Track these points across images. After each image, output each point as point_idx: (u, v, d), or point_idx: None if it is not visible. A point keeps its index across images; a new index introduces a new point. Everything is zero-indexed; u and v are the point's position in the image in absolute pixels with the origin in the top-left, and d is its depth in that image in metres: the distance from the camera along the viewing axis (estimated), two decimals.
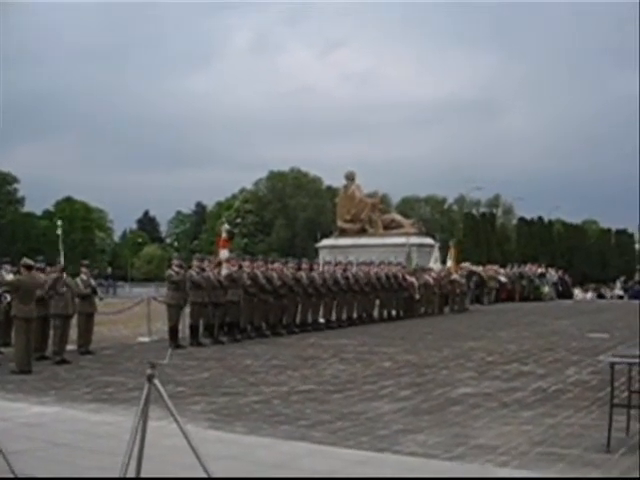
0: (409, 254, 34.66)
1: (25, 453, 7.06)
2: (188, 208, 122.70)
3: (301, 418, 9.85)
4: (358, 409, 10.43)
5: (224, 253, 20.35)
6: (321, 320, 23.95)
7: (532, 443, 8.23)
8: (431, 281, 30.40)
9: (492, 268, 41.56)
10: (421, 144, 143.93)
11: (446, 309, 31.72)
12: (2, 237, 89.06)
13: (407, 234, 39.64)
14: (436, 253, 35.66)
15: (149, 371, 4.78)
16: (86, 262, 19.09)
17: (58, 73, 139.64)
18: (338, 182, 49.86)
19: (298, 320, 22.86)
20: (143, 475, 4.90)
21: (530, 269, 43.89)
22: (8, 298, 16.25)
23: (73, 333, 17.32)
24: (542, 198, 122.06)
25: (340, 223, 42.27)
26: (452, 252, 35.68)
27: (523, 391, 11.75)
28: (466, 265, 39.27)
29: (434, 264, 33.96)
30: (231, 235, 20.59)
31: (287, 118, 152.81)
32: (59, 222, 65.34)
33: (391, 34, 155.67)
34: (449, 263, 34.97)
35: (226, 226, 20.64)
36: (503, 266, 43.89)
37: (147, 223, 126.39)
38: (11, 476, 5.73)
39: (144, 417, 4.71)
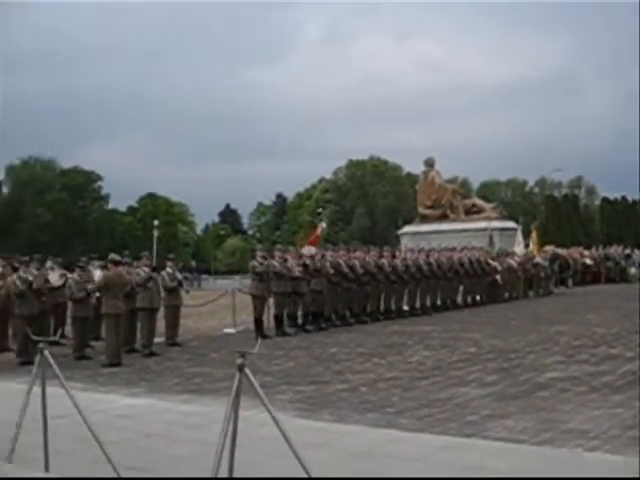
0: (492, 239, 34.31)
1: (119, 444, 7.21)
2: (269, 200, 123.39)
3: (388, 405, 9.88)
4: (445, 395, 10.42)
5: (310, 249, 20.24)
6: (405, 307, 23.92)
7: (623, 427, 8.12)
8: (514, 265, 30.13)
9: (576, 250, 40.99)
10: (500, 127, 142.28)
11: (530, 293, 31.40)
12: (88, 234, 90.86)
13: (489, 218, 39.28)
14: (519, 237, 35.24)
15: (239, 360, 4.85)
16: (172, 256, 19.40)
17: (135, 71, 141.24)
18: (417, 169, 49.64)
19: (382, 308, 22.88)
20: (236, 464, 4.98)
21: (615, 250, 43.16)
22: (97, 294, 16.60)
23: (160, 326, 17.62)
24: (625, 177, 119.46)
25: (421, 209, 42.08)
26: (534, 235, 35.23)
27: (612, 374, 11.57)
28: (550, 248, 38.81)
29: (517, 248, 33.59)
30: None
31: (364, 106, 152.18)
32: (155, 222, 66.55)
33: (464, 19, 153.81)
34: (532, 247, 34.52)
35: (324, 224, 20.61)
36: (588, 248, 43.26)
37: (229, 215, 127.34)
38: (109, 466, 5.87)
39: (236, 406, 4.78)
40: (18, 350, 15.92)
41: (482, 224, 38.23)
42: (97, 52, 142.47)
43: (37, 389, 6.26)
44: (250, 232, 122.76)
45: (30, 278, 16.20)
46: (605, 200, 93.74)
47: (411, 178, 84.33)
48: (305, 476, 4.84)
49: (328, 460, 6.73)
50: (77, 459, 7.12)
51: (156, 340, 17.05)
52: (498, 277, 28.43)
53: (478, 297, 27.74)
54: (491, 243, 33.69)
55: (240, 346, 16.10)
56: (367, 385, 11.48)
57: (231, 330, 20.39)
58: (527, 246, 35.40)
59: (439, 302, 25.40)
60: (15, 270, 16.86)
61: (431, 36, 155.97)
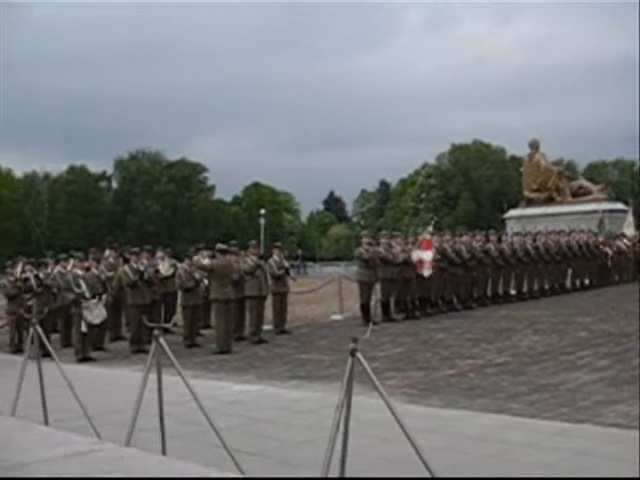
0: (602, 221, 33.63)
1: (232, 429, 7.34)
2: (372, 186, 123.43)
3: (498, 391, 9.82)
4: (556, 380, 10.29)
5: (428, 254, 19.80)
6: (512, 292, 23.66)
7: None
8: (624, 247, 29.46)
9: None
10: (605, 107, 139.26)
11: None
12: (195, 225, 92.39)
13: (596, 200, 38.58)
14: (629, 218, 34.46)
15: (352, 345, 4.88)
16: (278, 244, 19.59)
17: (236, 63, 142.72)
18: (522, 151, 48.96)
19: (489, 292, 22.68)
20: (350, 450, 5.02)
21: None
22: (206, 282, 16.89)
23: (268, 313, 17.82)
24: None
25: (527, 193, 41.55)
26: (630, 219, 34.25)
27: None
28: None
29: (627, 230, 32.84)
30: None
31: (466, 90, 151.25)
32: (262, 211, 67.46)
33: None
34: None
35: (430, 229, 20.44)
36: None
37: (333, 203, 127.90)
38: (223, 450, 5.99)
39: (349, 391, 4.83)
40: (131, 338, 16.33)
41: (589, 206, 37.57)
42: (204, 46, 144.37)
43: (151, 376, 6.41)
44: (354, 219, 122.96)
45: (141, 268, 16.58)
46: None
47: (516, 161, 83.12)
48: (420, 463, 4.85)
49: (439, 445, 6.72)
50: (192, 444, 7.28)
51: (264, 328, 17.26)
52: (608, 260, 27.84)
53: (587, 281, 27.25)
54: (600, 225, 33.02)
55: (348, 332, 16.23)
56: (476, 370, 11.43)
57: (338, 317, 20.50)
58: (638, 228, 34.58)
59: (547, 286, 25.03)
60: (126, 261, 17.26)
61: (534, 15, 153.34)
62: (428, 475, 4.96)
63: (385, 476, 6.27)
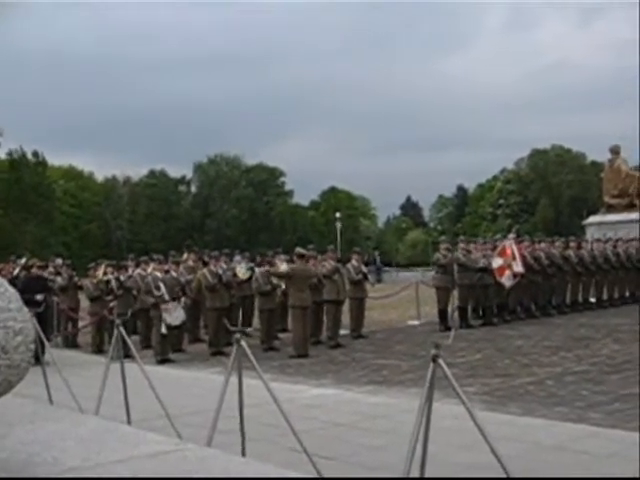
0: None
1: (308, 432, 7.38)
2: (450, 192, 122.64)
3: (577, 399, 9.71)
4: (637, 390, 10.11)
5: (517, 265, 19.55)
6: (592, 299, 23.33)
7: None
8: None
9: None
10: None
11: None
12: (273, 229, 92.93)
13: None
14: None
15: (434, 351, 4.89)
16: (357, 249, 19.66)
17: (314, 67, 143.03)
18: (602, 156, 48.18)
19: (568, 300, 22.40)
20: (428, 456, 5.03)
21: None
22: (283, 286, 17.00)
23: (345, 318, 17.86)
24: None
25: (607, 199, 40.86)
26: None
27: None
28: None
29: None
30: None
31: (546, 93, 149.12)
32: (338, 214, 67.73)
33: None
34: None
35: (512, 236, 20.22)
36: None
37: (410, 208, 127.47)
38: (303, 454, 6.05)
39: (429, 397, 4.84)
40: (210, 341, 16.52)
41: None
42: (283, 51, 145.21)
43: (231, 378, 6.50)
44: (431, 224, 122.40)
45: (220, 272, 16.78)
46: None
47: (596, 166, 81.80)
48: (499, 469, 4.83)
49: (517, 453, 6.68)
50: (270, 446, 7.36)
51: (341, 332, 17.31)
52: None
53: None
54: None
55: (425, 338, 16.24)
56: (554, 378, 11.32)
57: (415, 322, 20.48)
58: None
59: (627, 294, 24.63)
60: (205, 264, 17.48)
61: (618, 15, 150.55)
62: None
63: None
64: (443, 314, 18.83)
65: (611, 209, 40.19)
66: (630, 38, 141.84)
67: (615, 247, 24.53)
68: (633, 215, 37.89)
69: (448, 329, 17.82)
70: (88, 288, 17.98)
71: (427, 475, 5.13)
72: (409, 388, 10.73)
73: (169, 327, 15.51)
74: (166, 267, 16.63)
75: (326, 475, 6.01)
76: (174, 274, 16.61)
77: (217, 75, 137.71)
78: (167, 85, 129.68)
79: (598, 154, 70.63)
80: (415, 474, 4.99)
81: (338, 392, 11.09)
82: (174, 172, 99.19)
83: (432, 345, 5.02)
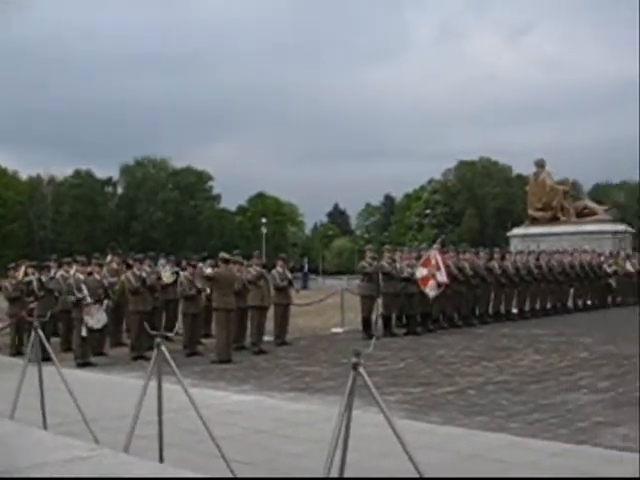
0: (621, 242, 33.58)
1: (228, 439, 7.32)
2: (377, 200, 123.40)
3: (497, 409, 9.80)
4: (556, 400, 10.27)
5: (441, 274, 19.58)
6: (514, 310, 23.65)
7: None
8: (631, 269, 29.38)
9: None
10: (613, 127, 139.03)
11: None
12: (199, 233, 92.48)
13: (601, 221, 38.63)
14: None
15: (354, 359, 4.87)
16: (283, 255, 19.63)
17: (244, 73, 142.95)
18: (528, 170, 49.05)
19: (491, 310, 22.67)
20: (347, 464, 5.02)
21: None
22: (208, 290, 16.89)
23: (269, 324, 17.80)
24: None
25: (531, 211, 41.61)
26: None
27: None
28: None
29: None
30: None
31: (474, 106, 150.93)
32: (263, 219, 67.74)
33: (579, 16, 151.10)
34: None
35: (437, 246, 20.36)
36: None
37: (337, 216, 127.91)
38: (221, 460, 5.99)
39: (349, 405, 4.82)
40: (131, 345, 16.31)
41: (594, 227, 37.61)
42: (213, 54, 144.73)
43: (151, 382, 6.42)
44: (358, 232, 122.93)
45: (144, 275, 16.59)
46: None
47: (521, 179, 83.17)
48: (417, 476, 4.84)
49: (437, 462, 6.70)
50: (189, 452, 7.27)
51: (265, 338, 17.25)
52: (612, 281, 27.78)
53: (589, 301, 27.20)
54: (619, 246, 33.08)
55: (348, 346, 16.24)
56: (475, 388, 11.41)
57: (339, 330, 20.49)
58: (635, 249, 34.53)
59: (549, 305, 25.04)
60: (129, 267, 17.28)
61: (546, 31, 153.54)
62: None
63: None
64: (367, 322, 18.89)
65: (535, 222, 40.98)
66: (556, 54, 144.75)
67: (538, 259, 24.92)
68: (556, 228, 38.68)
69: (371, 337, 17.87)
70: (7, 289, 17.58)
71: None
72: (330, 395, 10.71)
73: (90, 330, 15.28)
74: (89, 269, 16.36)
75: None
76: (97, 276, 16.36)
77: (147, 76, 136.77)
78: (95, 85, 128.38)
79: (524, 167, 71.87)
80: None
81: (260, 398, 11.02)
82: (100, 173, 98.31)
83: (353, 353, 5.00)
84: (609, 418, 9.03)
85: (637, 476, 6.38)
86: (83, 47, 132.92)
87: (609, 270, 27.81)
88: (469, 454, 7.43)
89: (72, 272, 16.96)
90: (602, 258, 28.61)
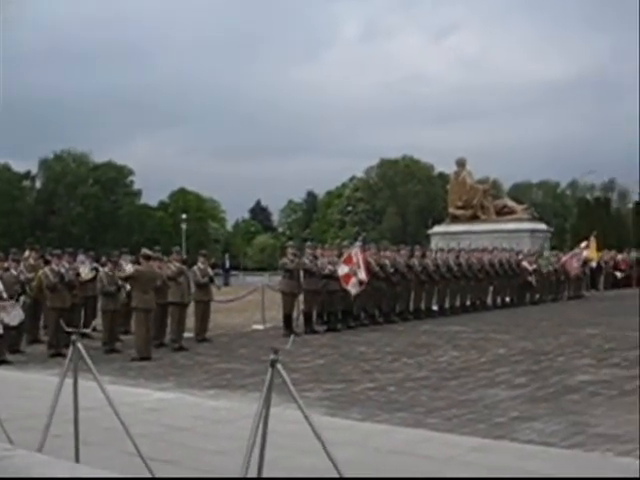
0: (544, 241, 34.15)
1: (148, 437, 7.25)
2: (299, 197, 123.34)
3: (416, 405, 9.87)
4: (474, 396, 10.39)
5: (361, 272, 19.68)
6: (434, 307, 23.87)
7: None
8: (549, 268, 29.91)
9: (608, 254, 40.57)
10: (532, 128, 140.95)
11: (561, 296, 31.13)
12: (120, 228, 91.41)
13: (520, 220, 39.24)
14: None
15: (272, 356, 4.86)
16: (204, 252, 19.50)
17: (171, 67, 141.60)
18: (449, 168, 49.50)
19: (411, 307, 22.84)
20: (266, 461, 5.00)
21: None
22: (127, 287, 16.70)
23: (190, 321, 17.68)
24: None
25: (452, 210, 42.02)
26: (593, 241, 34.51)
27: None
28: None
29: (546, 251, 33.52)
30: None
31: (398, 105, 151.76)
32: (184, 216, 67.26)
33: (503, 16, 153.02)
34: (586, 253, 33.55)
35: (358, 243, 20.40)
36: (619, 251, 42.76)
37: (259, 212, 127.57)
38: (138, 458, 5.91)
39: (267, 402, 4.80)
40: (49, 342, 16.05)
41: (513, 225, 38.17)
42: (136, 47, 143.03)
43: (67, 380, 6.31)
44: (280, 229, 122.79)
45: (62, 271, 16.33)
46: (638, 204, 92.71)
47: (443, 178, 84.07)
48: (336, 474, 4.84)
49: (357, 458, 6.73)
50: (107, 450, 7.17)
51: (185, 335, 17.13)
52: (532, 279, 28.22)
53: (508, 298, 27.61)
54: (542, 245, 33.67)
55: (269, 342, 16.19)
56: (395, 384, 11.48)
57: (260, 326, 20.45)
58: (553, 249, 35.17)
59: (469, 302, 25.35)
60: (47, 263, 17.00)
61: (469, 33, 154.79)
62: None
63: None
64: (288, 319, 18.88)
65: (455, 220, 41.39)
66: (480, 54, 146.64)
67: (458, 257, 25.18)
68: (476, 226, 39.15)
69: (293, 334, 17.89)
70: None
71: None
72: (251, 392, 10.68)
73: (6, 327, 14.98)
74: (6, 264, 16.05)
75: None
76: (14, 272, 16.04)
77: (67, 69, 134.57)
78: (14, 76, 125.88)
79: (445, 166, 72.63)
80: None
81: (180, 396, 10.94)
82: (18, 166, 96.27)
83: (271, 350, 4.98)
84: (526, 413, 9.16)
85: (559, 470, 6.47)
86: (2, 39, 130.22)
87: (530, 268, 28.25)
88: (389, 450, 7.46)
89: None
90: (520, 256, 29.05)
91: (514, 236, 36.22)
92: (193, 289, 17.55)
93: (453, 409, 9.53)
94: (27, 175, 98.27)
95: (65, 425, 6.35)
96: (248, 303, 23.72)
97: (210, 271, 18.34)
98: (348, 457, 5.77)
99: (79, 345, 6.16)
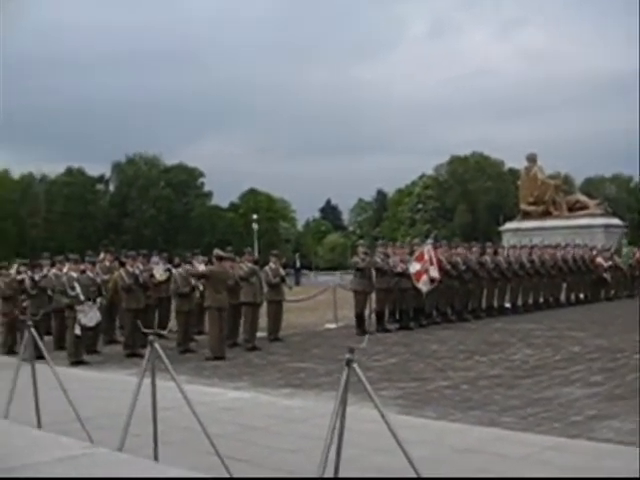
0: (620, 237, 33.63)
1: (223, 436, 7.33)
2: (369, 196, 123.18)
3: (490, 403, 9.81)
4: (549, 394, 10.29)
5: (434, 270, 19.63)
6: (507, 305, 23.67)
7: None
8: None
9: None
10: (604, 120, 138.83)
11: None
12: (191, 230, 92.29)
13: (592, 215, 38.69)
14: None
15: (348, 356, 4.89)
16: (275, 252, 19.59)
17: (236, 69, 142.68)
18: (520, 164, 48.99)
19: (484, 305, 22.69)
20: (342, 459, 5.03)
21: None
22: (201, 287, 16.87)
23: (262, 321, 17.80)
24: None
25: (523, 206, 41.63)
26: None
27: None
28: None
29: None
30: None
31: (466, 101, 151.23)
32: (255, 216, 67.63)
33: (567, 8, 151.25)
34: None
35: (430, 241, 20.32)
36: None
37: (329, 212, 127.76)
38: (215, 457, 5.99)
39: (343, 401, 4.83)
40: (125, 342, 16.30)
41: (585, 221, 37.67)
42: (205, 50, 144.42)
43: (145, 380, 6.42)
44: (350, 228, 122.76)
45: (136, 272, 16.58)
46: None
47: (513, 174, 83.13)
48: (412, 473, 4.86)
49: (432, 457, 6.73)
50: (185, 449, 7.27)
51: (258, 335, 17.24)
52: (607, 275, 27.79)
53: (582, 295, 27.24)
54: (619, 241, 33.15)
55: (342, 342, 16.26)
56: (469, 383, 11.42)
57: (332, 325, 20.50)
58: (630, 244, 34.53)
59: (542, 300, 25.08)
60: (122, 265, 17.26)
61: (534, 26, 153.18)
62: None
63: None
64: (360, 318, 18.89)
65: (527, 216, 40.98)
66: (547, 47, 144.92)
67: (530, 254, 24.92)
68: (548, 222, 38.71)
69: (365, 333, 17.89)
70: (0, 287, 17.57)
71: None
72: (325, 391, 10.73)
73: (84, 328, 15.26)
74: (82, 267, 16.35)
75: None
76: (90, 274, 16.32)
77: (137, 73, 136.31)
78: (86, 82, 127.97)
79: (516, 162, 71.85)
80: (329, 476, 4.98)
81: (254, 395, 11.04)
82: (92, 170, 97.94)
83: (347, 349, 5.01)
84: (602, 412, 9.04)
85: (636, 469, 6.38)
86: (73, 45, 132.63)
87: (605, 264, 27.85)
88: (463, 448, 7.44)
89: (65, 270, 16.95)
90: (594, 252, 28.65)
91: (587, 232, 35.76)
92: (265, 289, 17.64)
93: (528, 408, 9.45)
94: (101, 179, 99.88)
95: (143, 424, 6.45)
96: (320, 302, 23.80)
97: (282, 271, 18.42)
98: (423, 456, 5.77)
99: (157, 345, 6.26)
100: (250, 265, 17.16)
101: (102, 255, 19.78)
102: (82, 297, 15.29)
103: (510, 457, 7.10)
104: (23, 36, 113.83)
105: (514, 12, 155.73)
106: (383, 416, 4.86)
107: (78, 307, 15.22)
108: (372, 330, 18.55)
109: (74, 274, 15.78)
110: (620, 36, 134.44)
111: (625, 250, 31.42)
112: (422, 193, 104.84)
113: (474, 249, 23.05)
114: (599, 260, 27.91)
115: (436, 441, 7.72)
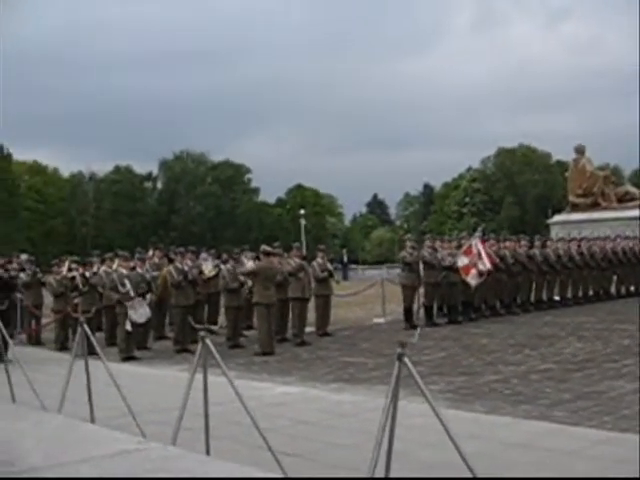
0: None
1: (274, 430, 7.37)
2: (416, 190, 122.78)
3: (541, 397, 9.77)
4: (599, 388, 10.21)
5: (484, 263, 19.54)
6: (556, 297, 23.49)
7: None
8: None
9: None
10: None
11: None
12: (239, 226, 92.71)
13: None
14: None
15: (399, 350, 4.90)
16: (323, 247, 19.63)
17: (281, 65, 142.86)
18: (568, 156, 48.55)
19: (533, 298, 22.55)
20: (395, 454, 5.04)
21: None
22: (249, 283, 16.96)
23: (311, 316, 17.86)
24: None
25: (572, 198, 41.23)
26: None
27: None
28: None
29: None
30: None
31: (513, 93, 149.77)
32: (302, 211, 67.74)
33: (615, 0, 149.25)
34: None
35: (478, 234, 20.17)
36: None
37: (376, 206, 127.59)
38: (268, 452, 6.03)
39: (395, 396, 4.85)
40: (175, 338, 16.45)
41: (635, 212, 37.20)
42: (251, 47, 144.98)
43: (196, 375, 6.48)
44: (397, 222, 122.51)
45: (185, 269, 16.72)
46: None
47: (561, 166, 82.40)
48: (464, 468, 4.85)
49: (482, 451, 6.71)
50: (237, 444, 7.34)
51: (307, 330, 17.31)
52: None
53: (633, 287, 26.92)
54: None
55: (390, 336, 16.27)
56: (519, 377, 11.37)
57: (380, 320, 20.51)
58: None
59: (591, 292, 24.84)
60: (171, 261, 17.42)
61: (582, 19, 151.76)
62: None
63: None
64: (408, 312, 18.88)
65: (575, 208, 40.59)
66: (593, 38, 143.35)
67: (579, 246, 24.69)
68: (597, 214, 38.30)
69: (413, 327, 17.89)
70: (52, 284, 17.82)
71: (392, 473, 5.14)
72: (375, 386, 10.75)
73: (134, 324, 15.43)
74: (132, 264, 16.55)
75: (291, 474, 6.00)
76: (140, 271, 16.51)
77: (183, 71, 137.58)
78: (133, 81, 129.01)
79: (563, 154, 71.21)
80: (380, 472, 5.00)
81: (304, 390, 11.09)
82: (140, 168, 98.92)
83: (397, 344, 5.02)
84: None
85: None
86: (115, 47, 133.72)
87: None
88: (514, 443, 7.43)
89: (115, 267, 17.14)
90: None
91: (637, 223, 35.28)
92: (313, 284, 17.69)
93: (578, 401, 9.39)
94: (149, 176, 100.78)
95: (195, 419, 6.52)
96: (368, 297, 23.81)
97: (329, 265, 18.46)
98: (474, 450, 5.76)
99: (208, 341, 6.32)
100: (298, 260, 17.22)
101: (151, 252, 19.99)
102: (132, 293, 15.47)
103: (561, 451, 7.06)
104: (62, 41, 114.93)
105: (560, 2, 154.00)
106: (435, 410, 4.87)
107: (128, 303, 15.40)
108: (421, 324, 18.52)
109: (124, 271, 15.98)
110: None
111: None
112: (469, 186, 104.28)
113: (522, 242, 22.90)
114: None
115: (486, 435, 7.71)
